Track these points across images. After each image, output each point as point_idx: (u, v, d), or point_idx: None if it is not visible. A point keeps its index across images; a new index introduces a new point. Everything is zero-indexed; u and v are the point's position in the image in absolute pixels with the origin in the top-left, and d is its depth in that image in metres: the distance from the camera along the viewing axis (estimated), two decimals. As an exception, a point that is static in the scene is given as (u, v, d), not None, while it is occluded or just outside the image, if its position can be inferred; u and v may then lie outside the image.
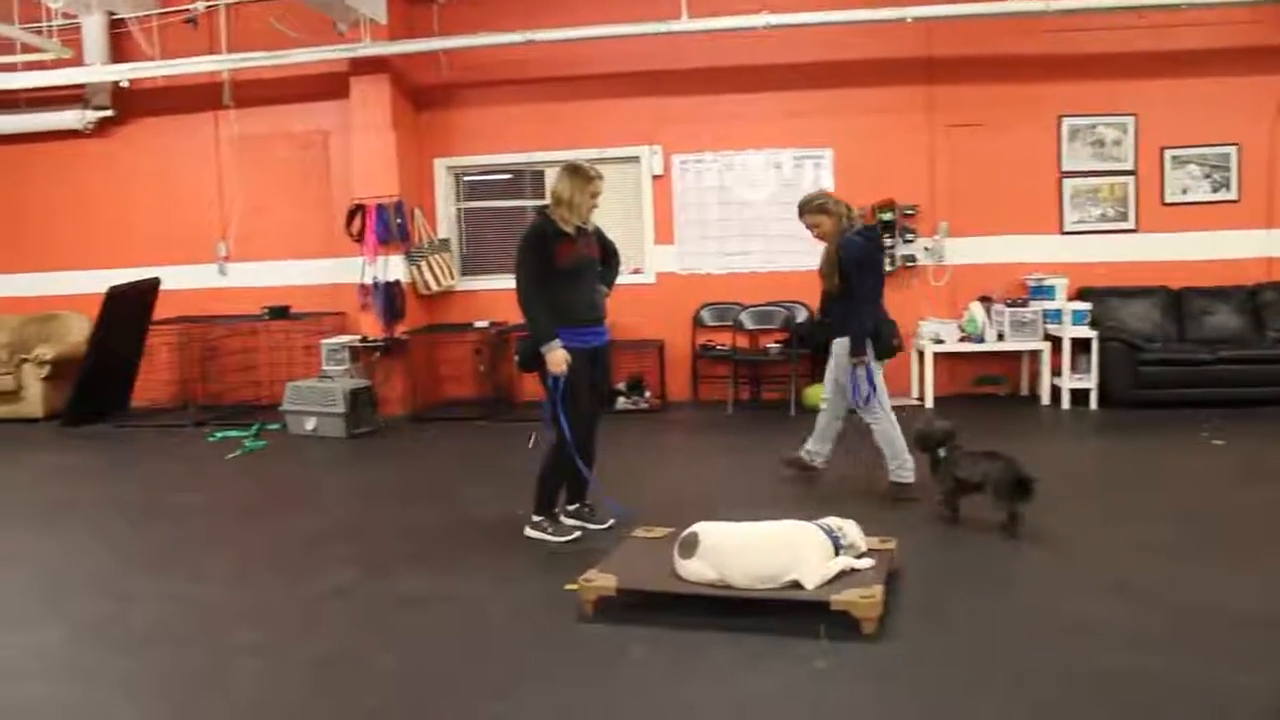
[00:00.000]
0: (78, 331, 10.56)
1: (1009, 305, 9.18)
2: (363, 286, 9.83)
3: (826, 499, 5.96)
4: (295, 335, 10.17)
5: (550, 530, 5.52)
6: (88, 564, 5.61)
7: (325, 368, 9.33)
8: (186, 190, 10.69)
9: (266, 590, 4.99)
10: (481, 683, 3.79)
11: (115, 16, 10.24)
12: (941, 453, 5.69)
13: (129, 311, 9.90)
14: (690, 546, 4.37)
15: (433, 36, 9.61)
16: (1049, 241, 9.55)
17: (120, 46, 10.40)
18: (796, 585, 4.21)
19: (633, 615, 4.29)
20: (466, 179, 10.59)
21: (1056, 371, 9.09)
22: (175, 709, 3.70)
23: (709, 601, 4.26)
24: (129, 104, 10.65)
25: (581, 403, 5.42)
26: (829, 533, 4.39)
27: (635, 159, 10.03)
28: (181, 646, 4.30)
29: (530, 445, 6.91)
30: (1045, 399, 9.16)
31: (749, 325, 9.79)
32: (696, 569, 4.33)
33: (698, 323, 9.92)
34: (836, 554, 4.35)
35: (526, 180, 10.43)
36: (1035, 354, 9.35)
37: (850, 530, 4.48)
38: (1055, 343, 9.07)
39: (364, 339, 9.68)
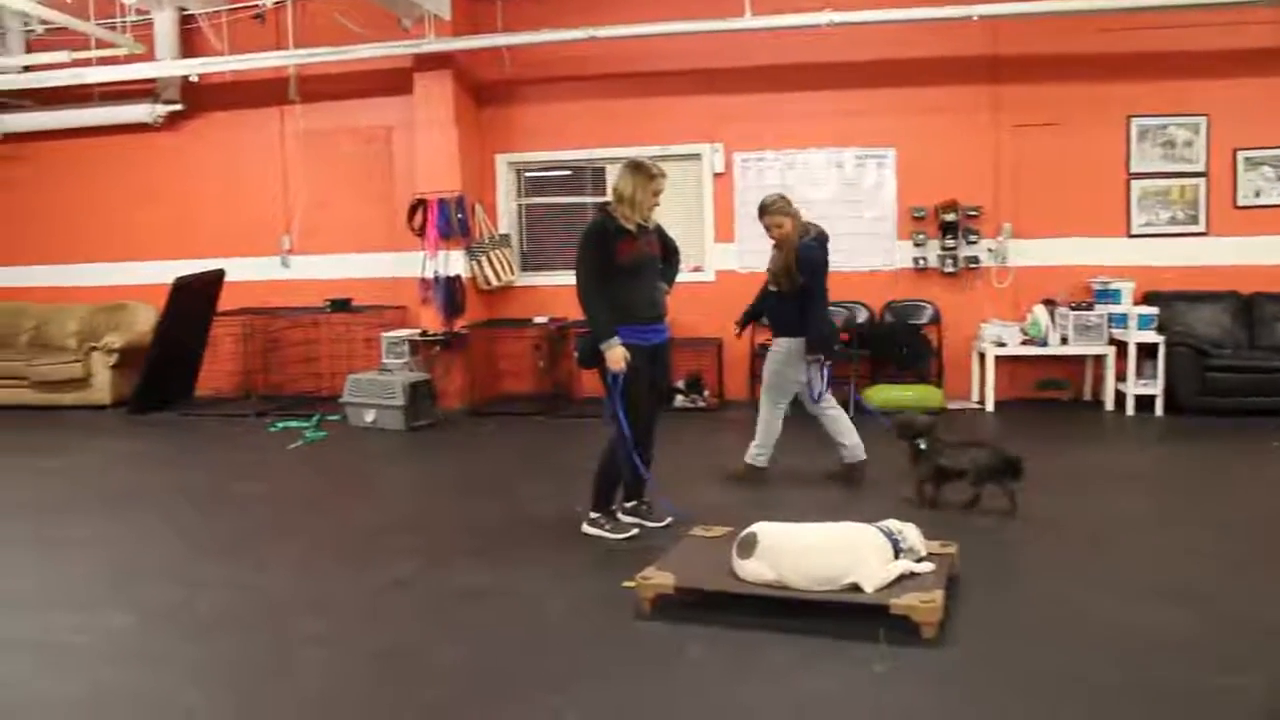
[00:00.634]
0: (145, 321, 10.75)
1: (1073, 308, 9.04)
2: (423, 281, 9.91)
3: (885, 501, 5.91)
4: (356, 328, 10.27)
5: (608, 527, 5.53)
6: (155, 550, 5.71)
7: (385, 361, 9.42)
8: (252, 184, 10.84)
9: (329, 580, 5.05)
10: (541, 677, 3.81)
11: (186, 12, 10.40)
12: (922, 444, 5.94)
13: (194, 302, 10.06)
14: (749, 546, 4.36)
15: (495, 33, 9.66)
16: (1116, 244, 9.38)
17: (190, 42, 10.55)
18: (855, 588, 4.18)
19: (690, 614, 4.29)
20: (527, 175, 10.63)
21: (1121, 377, 8.94)
22: (241, 696, 3.75)
23: (766, 602, 4.25)
24: (197, 98, 10.83)
25: (640, 400, 5.42)
26: (889, 535, 4.35)
27: (696, 157, 10.01)
28: (248, 634, 4.36)
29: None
30: (1109, 404, 9.00)
31: (809, 325, 9.73)
32: (755, 569, 4.31)
33: (757, 321, 9.84)
34: (896, 557, 4.31)
35: (587, 177, 10.45)
36: (1099, 358, 9.20)
37: (910, 534, 4.44)
38: (1120, 347, 8.92)
39: (424, 333, 9.76)
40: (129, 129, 10.96)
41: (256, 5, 10.17)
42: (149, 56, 10.22)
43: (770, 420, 6.67)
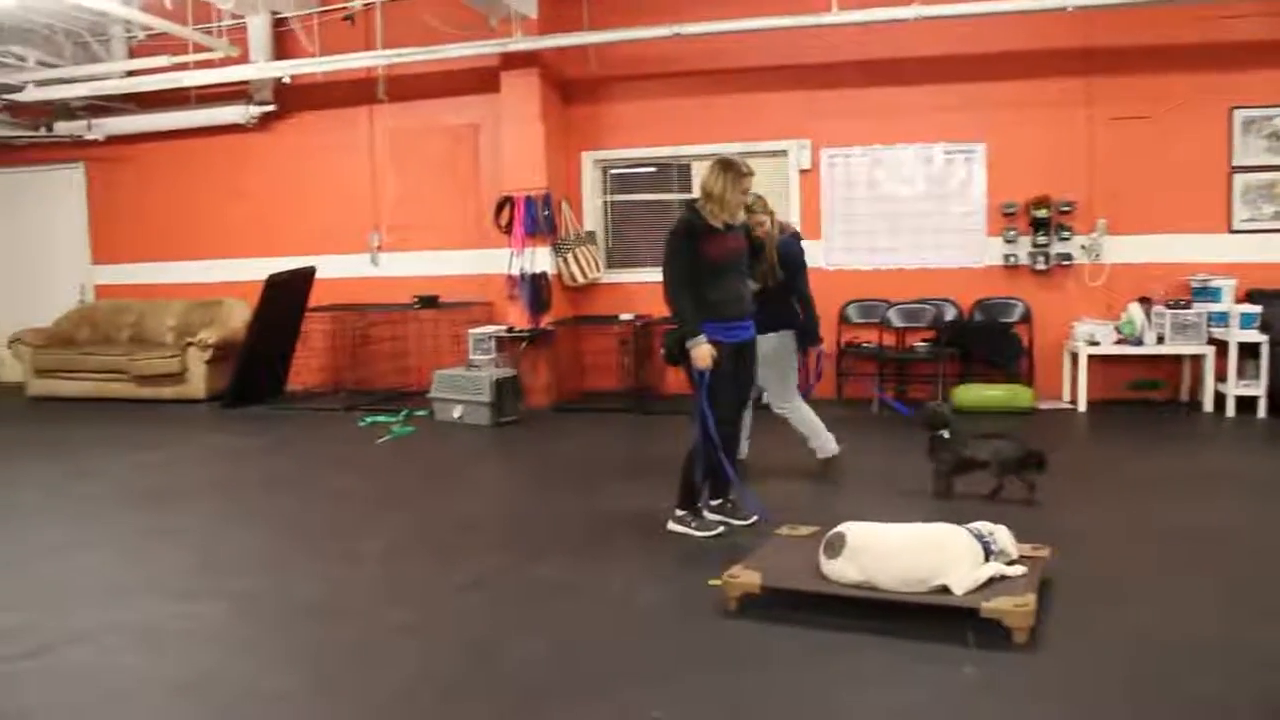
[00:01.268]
0: (238, 317, 11.00)
1: (1170, 306, 8.79)
2: (510, 277, 9.99)
3: (978, 501, 5.82)
4: (443, 324, 10.39)
5: (693, 525, 5.52)
6: (248, 540, 5.84)
7: (472, 357, 9.51)
8: (342, 182, 11.03)
9: (417, 572, 5.11)
10: (627, 674, 3.81)
11: (278, 15, 10.61)
12: (945, 434, 6.02)
13: (286, 299, 10.27)
14: (836, 546, 4.31)
15: (581, 31, 9.68)
16: (1216, 240, 9.08)
17: (282, 44, 10.77)
18: (944, 590, 4.11)
19: (776, 613, 4.26)
20: (613, 172, 10.66)
21: (1221, 377, 8.69)
22: (331, 684, 3.81)
23: (853, 603, 4.19)
24: (289, 99, 11.05)
25: (726, 397, 5.40)
26: (979, 537, 4.27)
27: (783, 153, 9.95)
28: (337, 624, 4.44)
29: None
30: (1208, 406, 8.74)
31: (896, 323, 9.62)
32: (842, 569, 4.27)
33: (844, 319, 9.78)
34: (987, 559, 4.23)
35: (673, 174, 10.45)
36: (1198, 358, 8.93)
37: (1001, 536, 4.35)
38: (1220, 347, 8.66)
39: (510, 329, 9.84)
40: (224, 130, 11.24)
41: (346, 7, 10.33)
42: (243, 59, 10.45)
43: (803, 414, 6.68)
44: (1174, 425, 8.45)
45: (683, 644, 4.07)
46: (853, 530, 4.33)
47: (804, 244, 6.73)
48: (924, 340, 9.47)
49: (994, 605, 3.94)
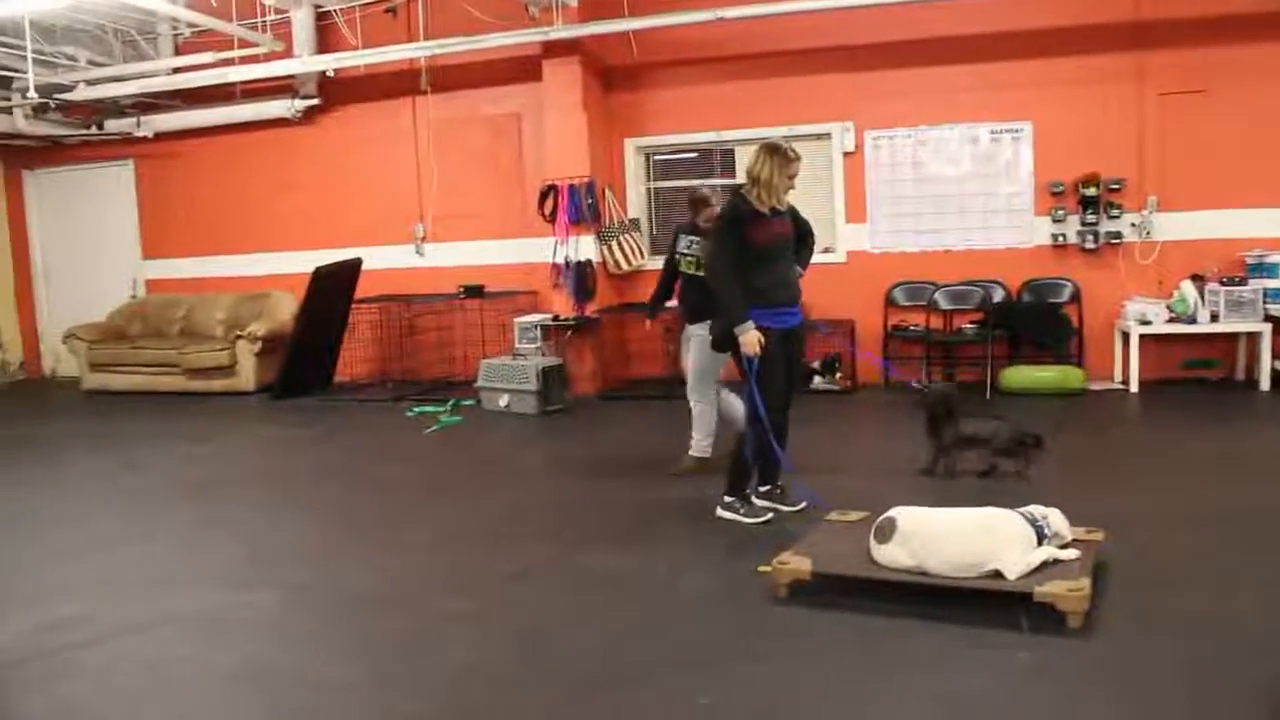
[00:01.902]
0: (286, 309, 11.10)
1: (1224, 283, 8.64)
2: (555, 266, 10.00)
3: (1030, 487, 5.76)
4: (489, 313, 10.42)
5: (742, 511, 5.50)
6: (300, 531, 5.90)
7: (518, 346, 9.54)
8: (386, 174, 11.09)
9: (467, 561, 5.14)
10: (678, 661, 3.81)
11: (321, 9, 10.68)
12: (944, 411, 6.19)
13: (333, 290, 10.35)
14: (887, 532, 4.28)
15: (622, 17, 9.64)
16: (1273, 215, 8.88)
17: (325, 37, 10.82)
18: (997, 575, 4.07)
19: (827, 599, 4.24)
20: (656, 158, 10.64)
21: (1279, 355, 8.52)
22: (384, 672, 3.84)
23: (904, 588, 4.17)
24: (333, 92, 11.11)
25: (775, 383, 5.37)
26: (1032, 521, 4.23)
27: (826, 136, 9.87)
28: (389, 613, 4.48)
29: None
30: (1264, 384, 8.58)
31: (944, 305, 9.52)
32: (893, 555, 4.24)
33: (890, 302, 9.71)
34: (1040, 544, 4.18)
35: (716, 159, 10.40)
36: (1254, 336, 8.76)
37: (1055, 519, 4.30)
38: (1277, 324, 8.50)
39: (556, 318, 9.86)
40: (269, 124, 11.33)
41: (388, -1, 10.40)
42: (287, 53, 10.51)
43: (710, 414, 6.65)
44: (1229, 405, 8.31)
45: (732, 631, 4.07)
46: (903, 515, 4.30)
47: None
48: (972, 322, 9.37)
49: (1047, 590, 3.90)
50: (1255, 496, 5.60)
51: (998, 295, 9.40)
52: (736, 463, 5.51)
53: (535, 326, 9.60)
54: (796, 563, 4.34)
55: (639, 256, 10.15)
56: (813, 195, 9.66)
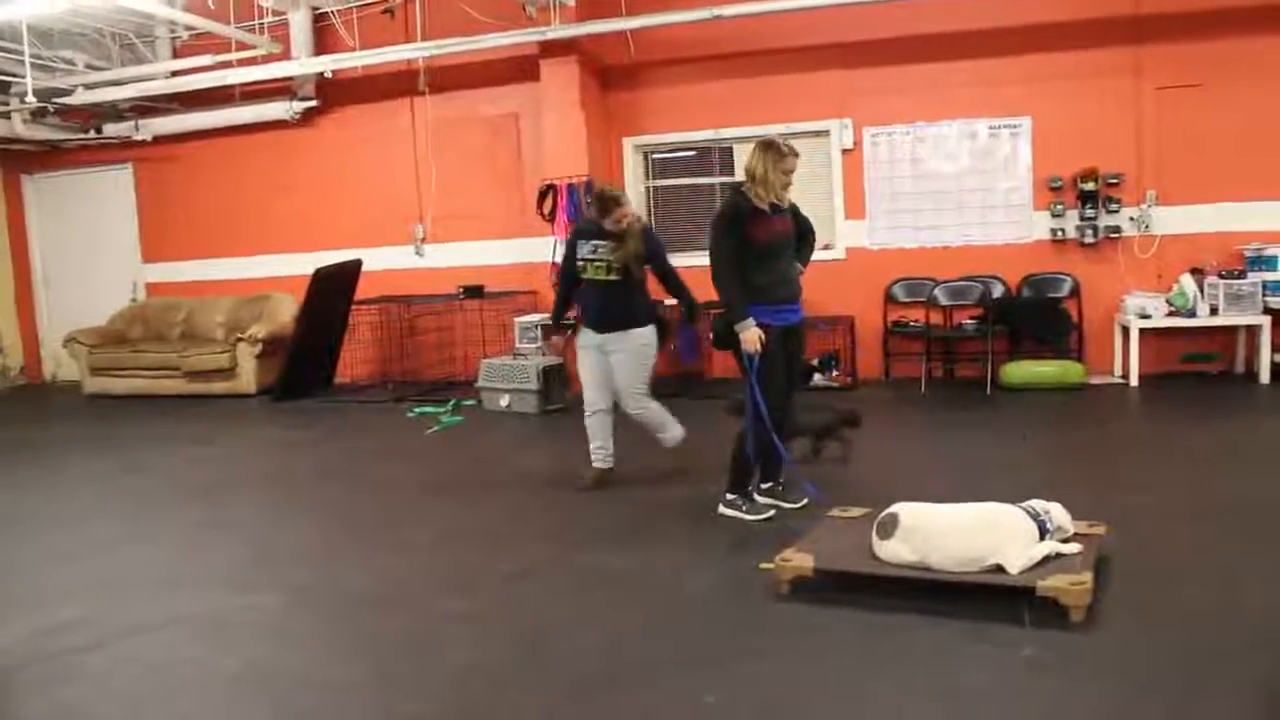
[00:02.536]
0: (286, 311, 11.10)
1: (1223, 276, 8.64)
2: (554, 265, 9.96)
3: (1033, 481, 5.75)
4: (489, 314, 10.42)
5: (744, 508, 5.51)
6: (301, 532, 5.91)
7: (518, 345, 9.54)
8: (385, 175, 11.09)
9: (469, 561, 5.14)
10: (681, 658, 3.81)
11: (319, 10, 10.68)
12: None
13: (333, 292, 10.35)
14: (889, 527, 4.28)
15: (619, 16, 9.64)
16: (1271, 208, 8.88)
17: (323, 39, 10.82)
18: (999, 569, 4.07)
19: (829, 596, 4.24)
20: (655, 157, 10.64)
21: (1279, 348, 8.52)
22: (388, 674, 3.85)
23: (906, 584, 4.17)
24: (332, 94, 11.12)
25: (776, 380, 5.37)
26: (1034, 516, 4.23)
27: (825, 133, 9.87)
28: (390, 614, 4.48)
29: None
30: (1264, 377, 8.58)
31: (943, 301, 9.52)
32: (895, 550, 4.24)
33: (889, 299, 9.71)
34: (1042, 538, 4.19)
35: (715, 157, 10.40)
36: (1253, 329, 8.76)
37: (1056, 513, 4.31)
38: (1277, 316, 8.50)
39: (556, 317, 9.84)
40: (268, 126, 11.33)
41: (386, 0, 10.37)
42: (285, 55, 10.52)
43: (654, 409, 6.44)
44: (1229, 398, 8.31)
45: (735, 628, 4.07)
46: (905, 511, 4.31)
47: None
48: (972, 318, 9.37)
49: (1050, 584, 3.90)
50: (1256, 489, 5.60)
51: (997, 291, 9.40)
52: (738, 460, 5.51)
53: (536, 326, 9.59)
54: (799, 559, 4.34)
55: (639, 255, 10.13)
56: (811, 192, 9.67)
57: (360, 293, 10.66)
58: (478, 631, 4.21)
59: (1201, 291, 8.71)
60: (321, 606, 4.64)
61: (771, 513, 5.51)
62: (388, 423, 9.11)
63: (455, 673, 3.82)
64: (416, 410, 9.39)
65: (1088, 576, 3.94)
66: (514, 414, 9.08)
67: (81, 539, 5.88)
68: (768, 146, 5.32)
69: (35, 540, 5.94)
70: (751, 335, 5.22)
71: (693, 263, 9.84)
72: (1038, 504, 4.32)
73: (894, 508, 4.36)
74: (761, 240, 5.28)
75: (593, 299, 6.28)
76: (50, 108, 10.90)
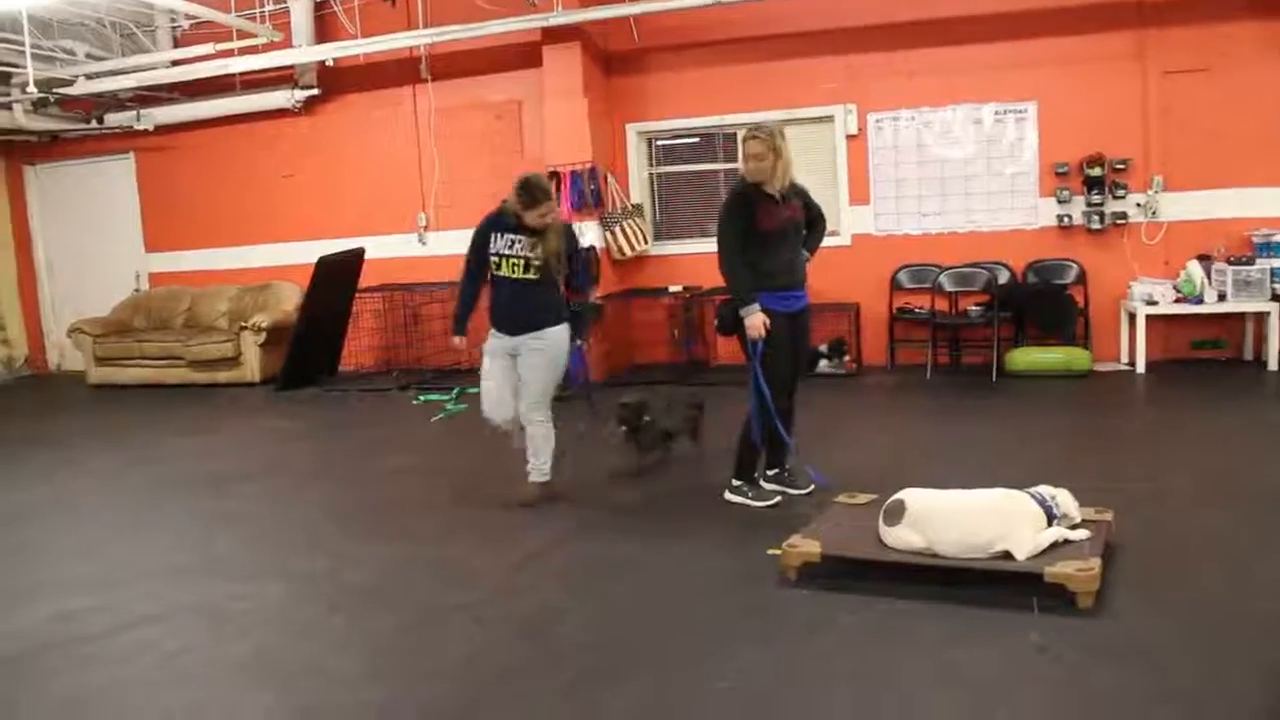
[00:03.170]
0: (289, 300, 11.08)
1: (1231, 263, 8.59)
2: (556, 255, 9.95)
3: (1040, 467, 5.72)
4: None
5: (750, 495, 5.49)
6: (305, 522, 5.90)
7: (522, 333, 9.49)
8: (388, 163, 11.05)
9: (473, 551, 5.13)
10: (689, 645, 3.81)
11: (320, -1, 10.66)
12: (647, 418, 6.26)
13: (337, 280, 10.33)
14: (896, 514, 4.27)
15: (622, 2, 9.58)
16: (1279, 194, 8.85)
17: (324, 27, 10.78)
18: (1007, 555, 4.06)
19: (836, 582, 4.24)
20: (658, 143, 10.60)
21: (1286, 334, 8.49)
22: (392, 663, 3.85)
23: (913, 570, 4.17)
24: (333, 82, 11.08)
25: (781, 366, 5.35)
26: (1041, 502, 4.22)
27: (829, 118, 9.81)
28: (394, 604, 4.47)
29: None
30: (1272, 363, 8.53)
31: (949, 287, 9.46)
32: (902, 536, 4.23)
33: (894, 285, 9.67)
34: (1049, 524, 4.17)
35: (718, 143, 10.36)
36: (1261, 316, 8.72)
37: (1064, 500, 4.30)
38: (1285, 303, 8.46)
39: (559, 304, 9.81)
40: (270, 115, 11.30)
41: (387, -13, 10.35)
42: (286, 44, 10.47)
43: (550, 427, 5.84)
44: (1237, 384, 8.27)
45: (743, 615, 4.07)
46: (912, 497, 4.30)
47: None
48: (977, 304, 9.33)
49: (1058, 570, 3.89)
50: (1264, 476, 5.57)
51: (1003, 277, 9.35)
52: (744, 446, 5.50)
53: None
54: (806, 545, 4.33)
55: (643, 242, 10.12)
56: (816, 178, 9.59)
57: (363, 281, 10.64)
58: (485, 619, 4.20)
59: (1209, 278, 8.66)
60: (326, 596, 4.63)
61: (777, 499, 5.49)
62: (392, 411, 9.09)
63: (462, 661, 3.81)
64: (421, 398, 9.37)
65: (1096, 563, 3.92)
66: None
67: (90, 529, 5.89)
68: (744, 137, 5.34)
69: (44, 530, 5.94)
70: (757, 321, 5.21)
71: (696, 249, 9.91)
72: (1045, 490, 4.31)
73: (900, 494, 4.35)
74: (767, 227, 5.26)
75: (505, 298, 5.78)
76: (51, 98, 10.85)
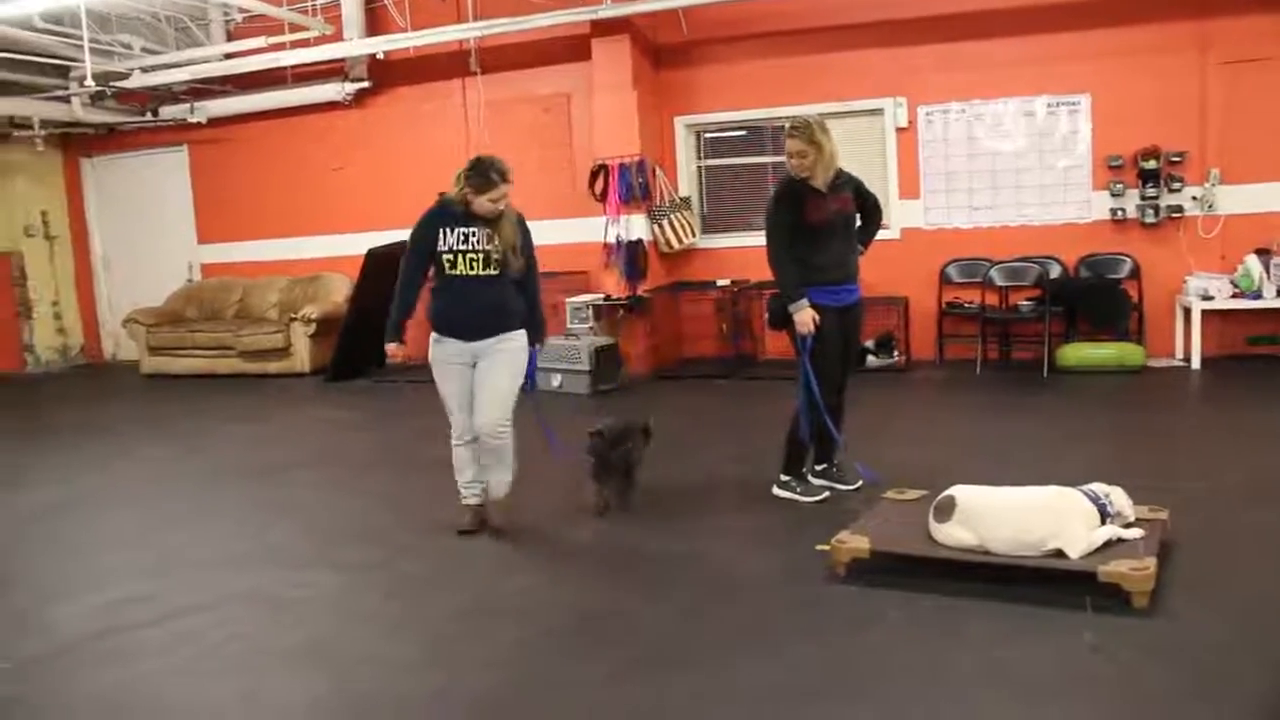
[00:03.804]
0: (339, 291, 11.20)
1: (1291, 257, 8.45)
2: (606, 245, 9.97)
3: (1093, 464, 5.66)
4: (541, 294, 10.40)
5: (799, 490, 5.47)
6: (357, 512, 5.95)
7: (570, 326, 9.54)
8: (437, 155, 11.04)
9: (524, 542, 5.15)
10: (738, 640, 3.81)
11: (371, -9, 10.73)
12: (629, 446, 5.53)
13: (386, 272, 10.35)
14: (947, 510, 4.24)
15: (672, -6, 9.58)
16: (1340, 187, 8.67)
17: (375, 20, 10.84)
18: (1059, 554, 4.01)
19: (885, 579, 4.21)
20: (706, 136, 10.57)
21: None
22: (446, 652, 3.88)
23: (964, 567, 4.13)
24: (384, 75, 11.15)
25: (831, 362, 5.32)
26: (1095, 499, 4.17)
27: (879, 111, 9.74)
28: (449, 592, 4.51)
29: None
30: (1333, 360, 8.39)
31: (999, 281, 9.36)
32: (953, 533, 4.20)
33: (944, 279, 9.59)
34: (1103, 522, 4.12)
35: (767, 136, 10.31)
36: (1322, 311, 8.57)
37: (1118, 498, 4.24)
38: (1346, 298, 8.29)
39: (607, 297, 9.84)
40: (321, 108, 11.40)
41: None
42: (337, 37, 10.56)
43: (512, 440, 5.36)
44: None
45: (792, 610, 4.05)
46: (963, 493, 4.26)
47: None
48: (1028, 299, 9.23)
49: (1112, 569, 3.84)
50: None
51: (1054, 272, 9.23)
52: (792, 442, 5.47)
53: (587, 306, 9.60)
54: (855, 541, 4.31)
55: (690, 235, 10.11)
56: (866, 172, 9.45)
57: (413, 273, 10.68)
58: (534, 610, 4.22)
59: (1268, 272, 8.51)
60: (380, 584, 4.68)
61: (826, 494, 5.47)
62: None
63: (512, 651, 3.83)
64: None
65: (1151, 562, 3.87)
66: (566, 394, 9.08)
67: (142, 517, 5.98)
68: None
69: (98, 519, 6.03)
70: (805, 316, 5.18)
71: (745, 243, 9.88)
72: (1098, 487, 4.25)
73: (951, 490, 4.32)
74: (815, 220, 5.22)
75: (462, 299, 5.11)
76: (108, 91, 11.04)
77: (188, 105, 11.68)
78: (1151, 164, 8.89)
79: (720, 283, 9.88)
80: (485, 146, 10.69)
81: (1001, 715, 3.18)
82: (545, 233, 10.51)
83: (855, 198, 5.46)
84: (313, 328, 10.84)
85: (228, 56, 10.92)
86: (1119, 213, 9.10)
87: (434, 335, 5.26)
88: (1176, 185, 8.90)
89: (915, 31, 9.50)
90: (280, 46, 10.37)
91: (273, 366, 10.98)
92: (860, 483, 5.55)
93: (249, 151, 12.03)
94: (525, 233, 5.29)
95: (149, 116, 11.91)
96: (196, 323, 11.73)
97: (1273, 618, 3.70)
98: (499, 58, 10.66)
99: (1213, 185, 8.86)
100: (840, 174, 5.36)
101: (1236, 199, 8.86)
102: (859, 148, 9.52)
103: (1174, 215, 8.97)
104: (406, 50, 10.62)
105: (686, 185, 10.47)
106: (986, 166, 9.50)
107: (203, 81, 11.31)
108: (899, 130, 9.70)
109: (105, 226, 13.23)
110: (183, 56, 10.88)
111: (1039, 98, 9.32)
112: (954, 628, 3.77)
